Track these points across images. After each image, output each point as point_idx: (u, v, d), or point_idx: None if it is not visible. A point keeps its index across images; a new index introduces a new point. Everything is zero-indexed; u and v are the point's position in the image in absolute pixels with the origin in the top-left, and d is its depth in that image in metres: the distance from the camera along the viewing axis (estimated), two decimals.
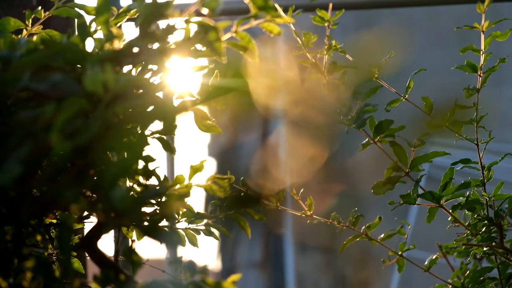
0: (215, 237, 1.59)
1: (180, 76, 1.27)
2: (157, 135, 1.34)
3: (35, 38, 1.55)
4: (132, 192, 1.25)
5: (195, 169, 1.45)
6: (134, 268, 1.24)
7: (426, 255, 1.99)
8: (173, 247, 1.27)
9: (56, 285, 1.19)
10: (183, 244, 1.56)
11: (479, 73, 1.80)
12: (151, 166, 1.27)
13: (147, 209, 1.28)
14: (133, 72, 1.25)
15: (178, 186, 1.43)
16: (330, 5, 1.75)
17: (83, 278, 1.49)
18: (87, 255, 1.30)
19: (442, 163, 1.98)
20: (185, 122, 1.33)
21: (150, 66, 1.24)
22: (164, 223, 1.28)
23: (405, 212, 5.02)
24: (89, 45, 1.24)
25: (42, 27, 1.60)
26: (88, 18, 1.43)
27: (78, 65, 1.18)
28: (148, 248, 1.46)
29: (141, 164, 1.25)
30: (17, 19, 1.55)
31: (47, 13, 1.61)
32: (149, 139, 1.31)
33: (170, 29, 1.23)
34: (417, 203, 1.75)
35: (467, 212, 1.82)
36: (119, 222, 1.18)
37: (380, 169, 1.76)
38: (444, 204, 1.77)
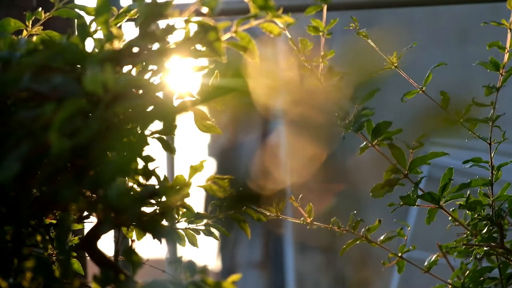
0: (215, 237, 1.59)
1: (180, 76, 1.27)
2: (157, 135, 1.34)
3: (35, 38, 1.55)
4: (131, 192, 1.25)
5: (195, 169, 1.45)
6: (134, 268, 1.24)
7: (426, 255, 1.99)
8: (173, 244, 1.27)
9: (56, 285, 1.19)
10: (183, 244, 1.56)
11: (501, 72, 1.79)
12: (151, 166, 1.27)
13: (147, 209, 1.28)
14: (133, 72, 1.25)
15: (178, 186, 1.43)
16: (325, 8, 1.74)
17: (83, 278, 1.49)
18: (87, 255, 1.30)
19: (443, 162, 1.98)
20: (185, 122, 1.33)
21: (150, 66, 1.24)
22: (164, 223, 1.28)
23: (405, 212, 5.02)
24: (89, 45, 1.25)
25: (42, 27, 1.60)
26: (88, 19, 1.43)
27: (78, 65, 1.18)
28: (148, 248, 1.46)
29: (141, 164, 1.25)
30: (17, 20, 1.55)
31: (48, 14, 1.61)
32: (149, 139, 1.31)
33: (170, 29, 1.23)
34: (416, 204, 1.74)
35: (467, 212, 1.82)
36: (118, 221, 1.18)
37: (380, 169, 1.76)
38: (444, 204, 1.77)
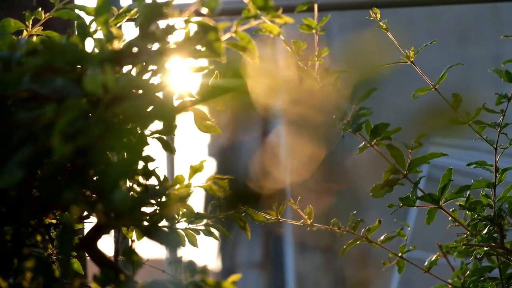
0: (215, 237, 1.59)
1: (180, 76, 1.27)
2: (157, 135, 1.34)
3: (35, 39, 1.55)
4: (132, 193, 1.25)
5: (195, 169, 1.45)
6: (134, 268, 1.24)
7: (426, 255, 2.00)
8: (173, 247, 1.27)
9: (56, 285, 1.19)
10: (183, 244, 1.56)
11: None
12: (151, 166, 1.27)
13: (147, 209, 1.28)
14: (133, 72, 1.25)
15: (178, 186, 1.43)
16: (316, 6, 1.74)
17: (83, 278, 1.49)
18: (87, 255, 1.30)
19: (442, 163, 1.98)
20: (185, 122, 1.33)
21: (150, 66, 1.24)
22: (164, 223, 1.28)
23: (405, 213, 5.02)
24: (89, 45, 1.25)
25: (42, 28, 1.60)
26: (88, 19, 1.43)
27: (78, 66, 1.18)
28: (148, 248, 1.46)
29: (141, 164, 1.25)
30: (17, 20, 1.55)
31: (48, 14, 1.61)
32: (149, 139, 1.31)
33: (170, 29, 1.23)
34: (416, 205, 1.75)
35: (467, 212, 1.82)
36: (119, 223, 1.18)
37: (379, 169, 1.76)
38: (444, 205, 1.77)
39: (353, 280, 5.81)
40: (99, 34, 1.25)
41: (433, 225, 1.77)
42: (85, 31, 1.24)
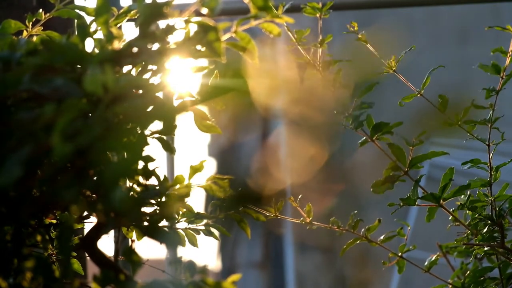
0: (215, 237, 1.59)
1: (180, 76, 1.27)
2: (157, 135, 1.34)
3: (35, 39, 1.55)
4: (132, 192, 1.25)
5: (195, 169, 1.45)
6: (134, 268, 1.24)
7: (426, 255, 2.00)
8: (173, 247, 1.27)
9: (56, 285, 1.19)
10: (183, 244, 1.56)
11: (501, 75, 1.79)
12: (151, 166, 1.27)
13: (147, 209, 1.28)
14: (133, 72, 1.25)
15: (178, 186, 1.43)
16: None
17: (83, 278, 1.49)
18: (87, 255, 1.30)
19: (442, 162, 1.98)
20: (185, 122, 1.33)
21: (150, 66, 1.24)
22: (164, 223, 1.28)
23: (405, 212, 5.02)
24: (89, 45, 1.25)
25: (42, 28, 1.60)
26: (88, 19, 1.43)
27: (78, 66, 1.18)
28: (148, 248, 1.46)
29: (141, 164, 1.25)
30: (17, 21, 1.55)
31: (48, 14, 1.61)
32: (149, 139, 1.31)
33: (170, 29, 1.23)
34: (416, 204, 1.74)
35: (467, 212, 1.82)
36: (119, 223, 1.18)
37: (379, 168, 1.76)
38: (444, 203, 1.77)
39: (353, 280, 5.81)
40: (99, 34, 1.25)
41: (433, 225, 1.77)
42: (85, 31, 1.24)
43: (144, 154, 1.22)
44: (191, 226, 1.59)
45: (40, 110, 1.10)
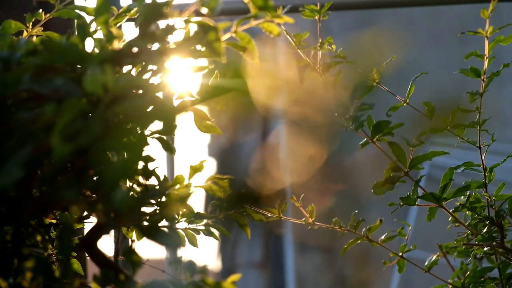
0: (215, 237, 1.59)
1: (180, 76, 1.27)
2: (157, 135, 1.34)
3: (35, 39, 1.55)
4: (132, 192, 1.25)
5: (195, 169, 1.45)
6: (134, 268, 1.24)
7: (426, 255, 2.00)
8: (173, 247, 1.27)
9: (56, 285, 1.19)
10: (183, 244, 1.56)
11: (482, 78, 1.80)
12: (151, 166, 1.27)
13: (147, 209, 1.28)
14: (133, 72, 1.25)
15: (178, 186, 1.43)
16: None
17: (83, 278, 1.49)
18: (87, 255, 1.30)
19: (442, 163, 1.98)
20: (185, 122, 1.33)
21: (150, 66, 1.24)
22: (164, 223, 1.28)
23: (405, 212, 5.02)
24: (89, 45, 1.25)
25: (42, 28, 1.60)
26: (89, 19, 1.43)
27: (78, 66, 1.18)
28: (148, 248, 1.46)
29: (141, 164, 1.25)
30: (17, 21, 1.55)
31: (48, 15, 1.61)
32: (149, 139, 1.31)
33: (170, 29, 1.23)
34: (417, 204, 1.75)
35: (467, 212, 1.82)
36: (119, 223, 1.18)
37: (380, 168, 1.76)
38: (444, 204, 1.77)
39: (353, 280, 5.81)
40: (99, 34, 1.25)
41: (434, 225, 1.77)
42: (85, 31, 1.24)
43: (144, 154, 1.22)
44: (191, 226, 1.59)
45: (40, 110, 1.10)
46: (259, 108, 1.31)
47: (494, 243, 1.78)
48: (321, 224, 1.85)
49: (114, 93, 1.12)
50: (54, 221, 1.39)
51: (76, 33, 1.25)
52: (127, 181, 1.26)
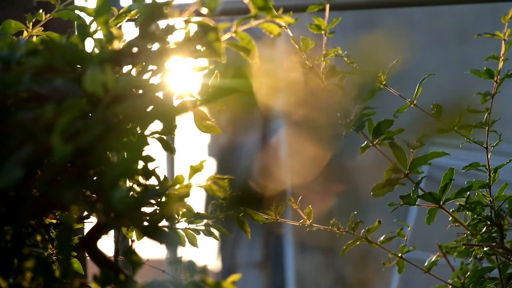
0: (215, 237, 1.59)
1: (180, 76, 1.27)
2: (157, 135, 1.34)
3: (35, 39, 1.55)
4: (132, 192, 1.25)
5: (195, 169, 1.45)
6: (134, 268, 1.24)
7: (426, 255, 2.00)
8: (173, 247, 1.27)
9: (56, 285, 1.19)
10: (183, 244, 1.56)
11: (495, 79, 1.80)
12: (151, 166, 1.27)
13: (147, 209, 1.28)
14: (133, 72, 1.25)
15: (178, 186, 1.43)
16: (327, 7, 1.75)
17: (83, 278, 1.49)
18: (87, 255, 1.30)
19: (442, 163, 1.98)
20: (185, 122, 1.33)
21: (150, 66, 1.24)
22: (164, 223, 1.28)
23: (405, 212, 5.02)
24: (89, 45, 1.25)
25: (42, 29, 1.60)
26: (89, 20, 1.43)
27: (78, 66, 1.18)
28: (148, 248, 1.46)
29: (141, 164, 1.25)
30: (18, 21, 1.55)
31: (48, 15, 1.61)
32: (149, 139, 1.31)
33: (170, 29, 1.23)
34: (416, 204, 1.74)
35: (467, 213, 1.82)
36: (119, 223, 1.18)
37: (380, 170, 1.76)
38: (444, 204, 1.77)
39: (353, 280, 5.81)
40: (99, 34, 1.25)
41: (433, 225, 1.77)
42: (85, 31, 1.24)
43: (144, 154, 1.22)
44: (191, 226, 1.59)
45: (40, 110, 1.10)
46: (260, 109, 1.31)
47: (493, 243, 1.78)
48: (319, 226, 1.85)
49: (114, 93, 1.12)
50: (54, 221, 1.39)
51: (76, 33, 1.25)
52: (127, 181, 1.26)
